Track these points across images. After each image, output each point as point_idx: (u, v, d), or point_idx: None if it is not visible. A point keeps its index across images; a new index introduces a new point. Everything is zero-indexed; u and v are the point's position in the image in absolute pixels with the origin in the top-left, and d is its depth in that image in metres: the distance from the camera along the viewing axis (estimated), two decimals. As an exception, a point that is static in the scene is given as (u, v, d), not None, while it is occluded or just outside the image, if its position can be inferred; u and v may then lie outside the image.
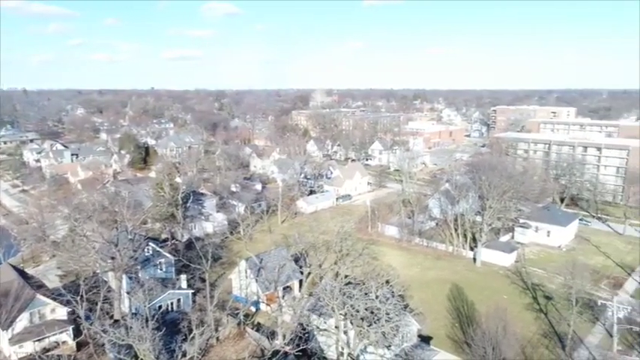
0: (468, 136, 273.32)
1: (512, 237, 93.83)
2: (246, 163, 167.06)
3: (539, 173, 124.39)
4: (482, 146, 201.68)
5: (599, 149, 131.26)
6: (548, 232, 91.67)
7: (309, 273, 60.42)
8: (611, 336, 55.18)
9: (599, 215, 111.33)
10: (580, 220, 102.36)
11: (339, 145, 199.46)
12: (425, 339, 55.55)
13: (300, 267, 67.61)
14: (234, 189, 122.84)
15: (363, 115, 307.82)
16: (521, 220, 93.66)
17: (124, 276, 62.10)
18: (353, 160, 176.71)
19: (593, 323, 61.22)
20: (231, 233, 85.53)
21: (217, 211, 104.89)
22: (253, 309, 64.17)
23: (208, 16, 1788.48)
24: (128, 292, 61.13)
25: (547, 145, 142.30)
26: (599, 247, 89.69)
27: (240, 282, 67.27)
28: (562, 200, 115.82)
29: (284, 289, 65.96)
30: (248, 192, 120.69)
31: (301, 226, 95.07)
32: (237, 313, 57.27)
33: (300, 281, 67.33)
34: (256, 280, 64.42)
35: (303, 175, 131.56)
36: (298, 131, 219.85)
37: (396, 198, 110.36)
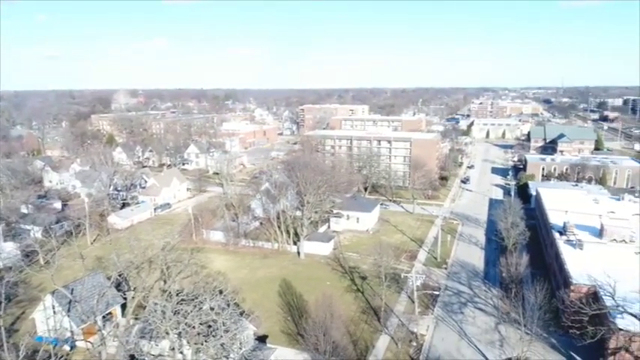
0: (281, 134, 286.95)
1: (329, 227, 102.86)
2: (39, 179, 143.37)
3: (346, 166, 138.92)
4: (295, 144, 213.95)
5: (389, 142, 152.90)
6: (358, 218, 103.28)
7: (133, 297, 55.70)
8: (413, 302, 65.76)
9: (394, 199, 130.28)
10: (381, 204, 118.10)
11: (151, 151, 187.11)
12: (261, 339, 57.00)
13: (124, 291, 61.78)
14: (25, 211, 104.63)
15: (174, 117, 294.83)
16: (335, 211, 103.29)
17: None
18: (169, 166, 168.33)
19: (399, 293, 71.71)
20: (29, 264, 72.65)
21: (5, 240, 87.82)
22: (68, 348, 56.09)
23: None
24: None
25: (349, 141, 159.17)
26: (396, 227, 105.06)
27: (47, 320, 57.92)
28: (365, 189, 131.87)
29: (104, 317, 59.38)
30: (45, 212, 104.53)
31: (117, 244, 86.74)
32: (48, 358, 49.28)
33: (123, 306, 61.54)
34: (68, 314, 56.40)
35: (112, 187, 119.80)
36: (102, 138, 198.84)
37: (218, 202, 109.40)
